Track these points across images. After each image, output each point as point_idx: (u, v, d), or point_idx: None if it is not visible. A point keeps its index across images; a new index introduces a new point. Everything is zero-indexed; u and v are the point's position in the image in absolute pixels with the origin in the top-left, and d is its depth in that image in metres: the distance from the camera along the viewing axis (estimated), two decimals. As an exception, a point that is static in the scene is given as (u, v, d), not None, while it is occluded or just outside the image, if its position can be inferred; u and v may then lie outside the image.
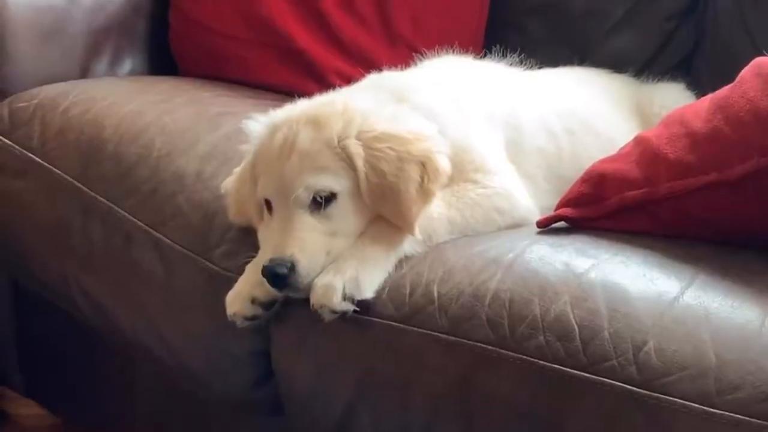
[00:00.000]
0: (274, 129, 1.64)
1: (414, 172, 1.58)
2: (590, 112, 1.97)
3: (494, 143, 1.76)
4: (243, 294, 1.62)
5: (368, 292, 1.54)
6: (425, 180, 1.58)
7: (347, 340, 1.57)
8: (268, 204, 1.62)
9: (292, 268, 1.53)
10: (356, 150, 1.57)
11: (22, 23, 2.19)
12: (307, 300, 1.56)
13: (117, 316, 1.90)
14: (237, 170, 1.74)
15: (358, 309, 1.53)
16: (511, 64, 2.00)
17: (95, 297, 1.93)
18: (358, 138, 1.59)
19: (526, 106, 1.86)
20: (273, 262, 1.54)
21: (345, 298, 1.52)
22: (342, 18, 2.36)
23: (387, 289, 1.55)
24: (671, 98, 2.09)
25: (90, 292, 1.93)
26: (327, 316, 1.54)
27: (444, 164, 1.61)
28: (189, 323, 1.78)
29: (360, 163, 1.57)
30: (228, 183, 1.75)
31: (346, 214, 1.58)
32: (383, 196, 1.57)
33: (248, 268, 1.65)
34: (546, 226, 1.62)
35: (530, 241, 1.57)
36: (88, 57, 2.33)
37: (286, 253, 1.54)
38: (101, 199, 1.92)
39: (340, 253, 1.56)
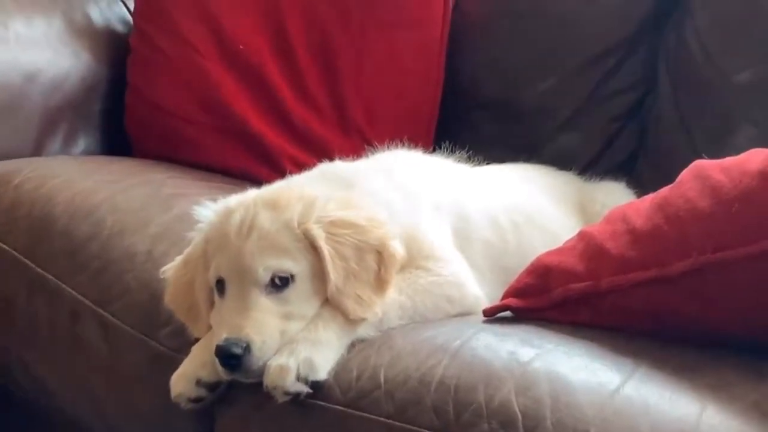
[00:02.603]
0: (228, 212, 1.64)
1: (372, 261, 1.60)
2: (534, 207, 2.01)
3: (443, 231, 1.78)
4: (188, 375, 1.61)
5: (322, 373, 1.53)
6: (382, 270, 1.60)
7: (292, 423, 1.56)
8: (220, 287, 1.62)
9: (247, 349, 1.52)
10: (318, 233, 1.59)
11: (-23, 99, 2.20)
12: (252, 383, 1.55)
13: (58, 393, 1.88)
14: (179, 258, 1.73)
15: (311, 390, 1.53)
16: (459, 160, 2.03)
17: (37, 373, 1.91)
18: (317, 222, 1.60)
19: (473, 199, 1.89)
20: (228, 342, 1.52)
21: (299, 378, 1.52)
22: (297, 106, 2.39)
23: (334, 372, 1.55)
24: (612, 197, 2.13)
25: (31, 367, 1.91)
26: (280, 398, 1.53)
27: (399, 250, 1.63)
28: (133, 403, 1.76)
29: (323, 245, 1.58)
30: (169, 268, 1.73)
31: (302, 297, 1.58)
32: (347, 279, 1.58)
33: (194, 348, 1.65)
34: (492, 315, 1.64)
35: (477, 329, 1.58)
36: (43, 135, 2.33)
37: (242, 334, 1.53)
38: (48, 275, 1.91)
39: (294, 336, 1.56)
